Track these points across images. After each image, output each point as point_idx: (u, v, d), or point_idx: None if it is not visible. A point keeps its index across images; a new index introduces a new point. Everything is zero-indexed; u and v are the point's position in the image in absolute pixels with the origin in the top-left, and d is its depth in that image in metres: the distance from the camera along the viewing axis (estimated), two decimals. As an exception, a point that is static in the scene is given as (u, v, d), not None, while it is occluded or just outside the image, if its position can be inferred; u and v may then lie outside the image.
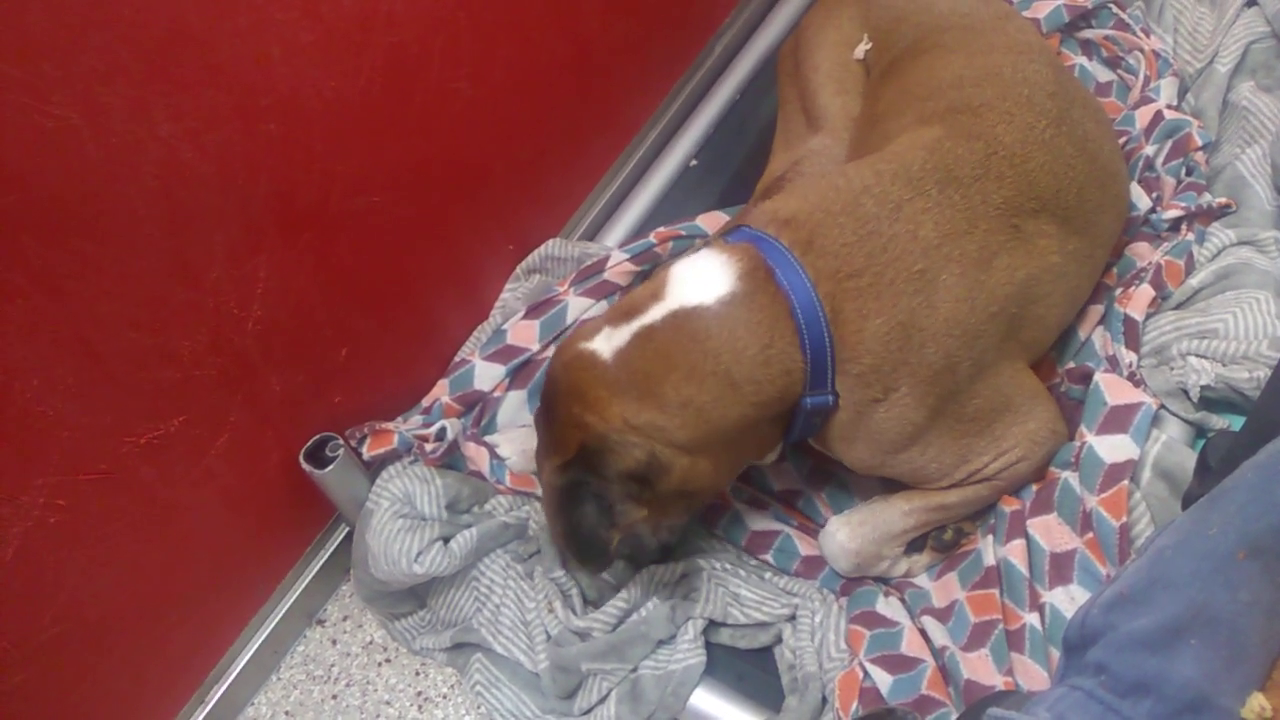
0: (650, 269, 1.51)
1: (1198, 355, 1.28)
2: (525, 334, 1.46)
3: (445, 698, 1.38)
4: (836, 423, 1.16)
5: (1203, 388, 1.25)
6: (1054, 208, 1.20)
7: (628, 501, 1.10)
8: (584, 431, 1.10)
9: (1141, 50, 1.65)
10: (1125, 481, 1.16)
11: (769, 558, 1.32)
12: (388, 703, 1.38)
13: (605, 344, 1.11)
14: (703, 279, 1.11)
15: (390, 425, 1.37)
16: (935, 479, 1.21)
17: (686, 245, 1.53)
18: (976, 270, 1.13)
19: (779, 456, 1.25)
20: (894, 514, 1.24)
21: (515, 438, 1.41)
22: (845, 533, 1.24)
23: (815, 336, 1.09)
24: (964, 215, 1.14)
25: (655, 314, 1.11)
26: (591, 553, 1.14)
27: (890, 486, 1.29)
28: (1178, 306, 1.37)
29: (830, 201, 1.14)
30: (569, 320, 1.46)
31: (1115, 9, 1.71)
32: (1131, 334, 1.33)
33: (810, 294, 1.09)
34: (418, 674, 1.40)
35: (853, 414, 1.14)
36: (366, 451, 1.35)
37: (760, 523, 1.35)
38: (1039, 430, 1.21)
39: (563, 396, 1.13)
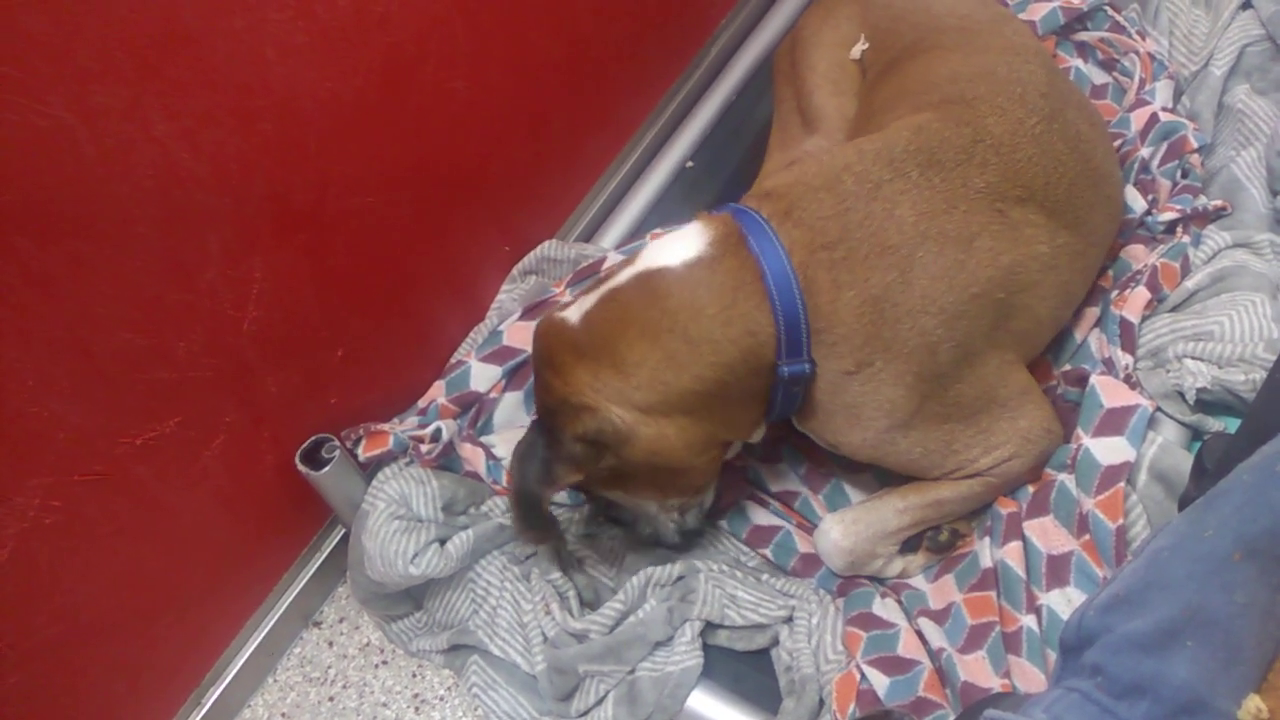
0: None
1: (1194, 358, 1.28)
2: (521, 335, 1.45)
3: (442, 700, 1.37)
4: (816, 395, 1.17)
5: (1199, 390, 1.25)
6: (1042, 199, 1.20)
7: (566, 463, 1.12)
8: (549, 395, 1.13)
9: (1137, 53, 1.66)
10: (1121, 484, 1.16)
11: (768, 553, 1.32)
12: (384, 705, 1.38)
13: (576, 310, 1.14)
14: (675, 245, 1.14)
15: (386, 426, 1.37)
16: (924, 469, 1.22)
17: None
18: (955, 249, 1.13)
19: (757, 445, 1.25)
20: (888, 511, 1.24)
21: (512, 438, 1.40)
22: (839, 530, 1.25)
23: (788, 303, 1.10)
24: (943, 197, 1.14)
25: (622, 277, 1.14)
26: (525, 512, 1.16)
27: (885, 486, 1.29)
28: (1174, 309, 1.38)
29: (811, 177, 1.16)
30: (565, 321, 1.46)
31: (1111, 11, 1.72)
32: (1127, 336, 1.33)
33: (783, 261, 1.10)
34: (414, 676, 1.40)
35: (829, 385, 1.15)
36: (362, 453, 1.35)
37: (761, 517, 1.35)
38: (1031, 428, 1.21)
39: (538, 363, 1.17)
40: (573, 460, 1.12)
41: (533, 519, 1.18)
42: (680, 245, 1.13)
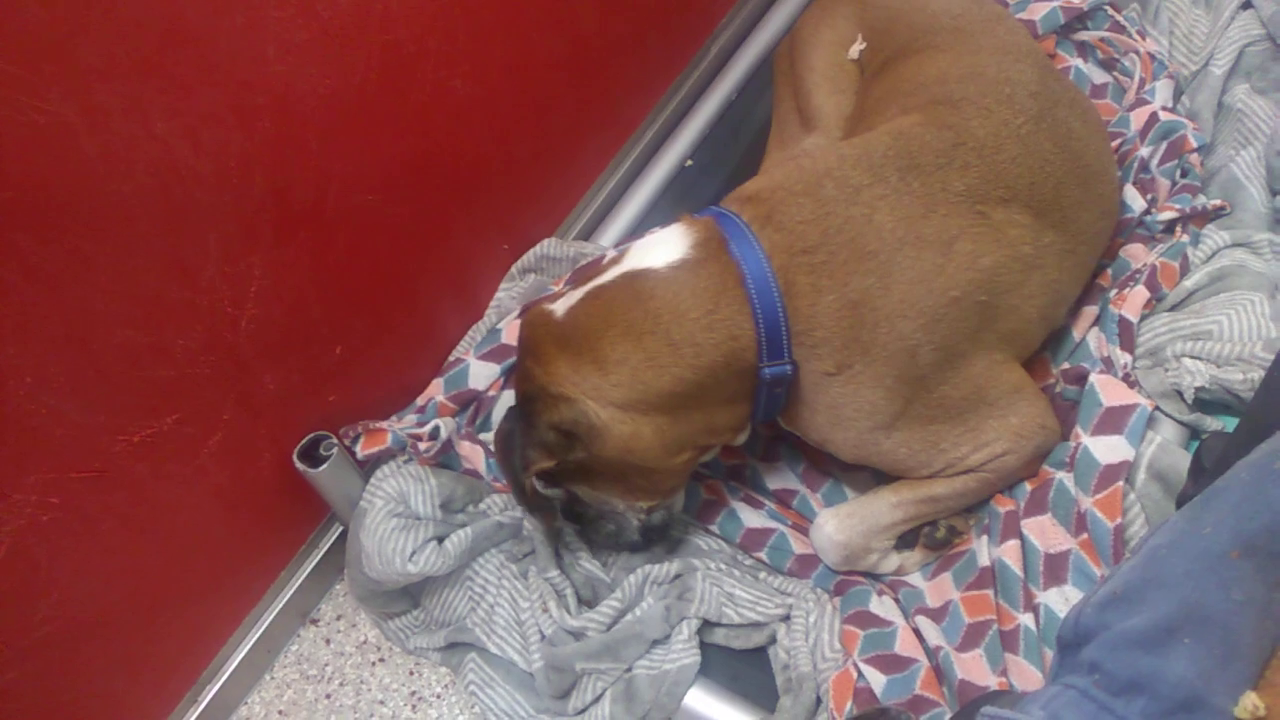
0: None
1: (1192, 357, 1.28)
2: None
3: (439, 697, 1.37)
4: (799, 395, 1.18)
5: (1197, 389, 1.25)
6: (1027, 199, 1.20)
7: (538, 448, 1.15)
8: (528, 383, 1.16)
9: (1137, 52, 1.66)
10: (1120, 483, 1.16)
11: (763, 555, 1.32)
12: (381, 702, 1.38)
13: (562, 304, 1.16)
14: (659, 247, 1.16)
15: (384, 424, 1.37)
16: (913, 468, 1.22)
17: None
18: (933, 254, 1.14)
19: (756, 445, 1.25)
20: (882, 506, 1.24)
21: (509, 437, 1.41)
22: (834, 524, 1.25)
23: (768, 306, 1.11)
24: (921, 201, 1.15)
25: (608, 275, 1.16)
26: (520, 495, 1.21)
27: (882, 483, 1.29)
28: (1172, 308, 1.38)
29: (793, 181, 1.18)
30: (564, 320, 1.46)
31: (1111, 11, 1.72)
32: (1126, 335, 1.33)
33: (763, 265, 1.11)
34: (412, 673, 1.40)
35: (811, 385, 1.17)
36: (360, 450, 1.35)
37: (755, 520, 1.35)
38: (1024, 425, 1.21)
39: (520, 350, 1.20)
40: (544, 447, 1.14)
41: (533, 502, 1.22)
42: (664, 247, 1.15)
